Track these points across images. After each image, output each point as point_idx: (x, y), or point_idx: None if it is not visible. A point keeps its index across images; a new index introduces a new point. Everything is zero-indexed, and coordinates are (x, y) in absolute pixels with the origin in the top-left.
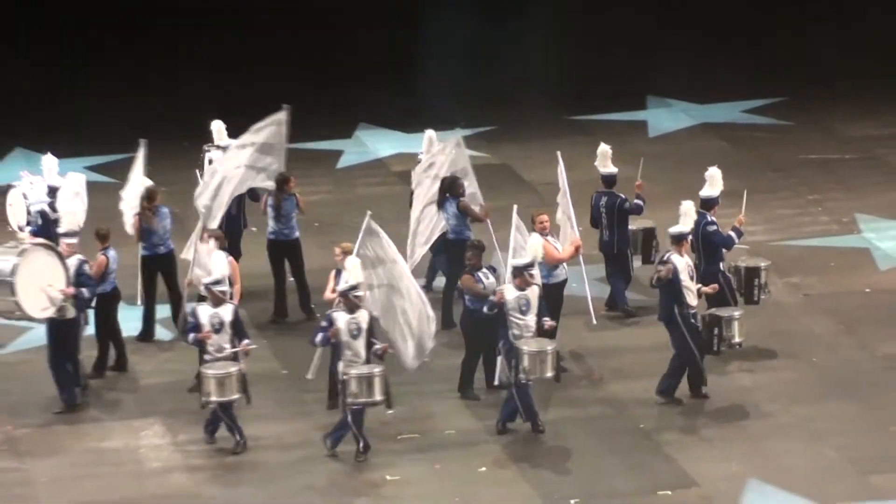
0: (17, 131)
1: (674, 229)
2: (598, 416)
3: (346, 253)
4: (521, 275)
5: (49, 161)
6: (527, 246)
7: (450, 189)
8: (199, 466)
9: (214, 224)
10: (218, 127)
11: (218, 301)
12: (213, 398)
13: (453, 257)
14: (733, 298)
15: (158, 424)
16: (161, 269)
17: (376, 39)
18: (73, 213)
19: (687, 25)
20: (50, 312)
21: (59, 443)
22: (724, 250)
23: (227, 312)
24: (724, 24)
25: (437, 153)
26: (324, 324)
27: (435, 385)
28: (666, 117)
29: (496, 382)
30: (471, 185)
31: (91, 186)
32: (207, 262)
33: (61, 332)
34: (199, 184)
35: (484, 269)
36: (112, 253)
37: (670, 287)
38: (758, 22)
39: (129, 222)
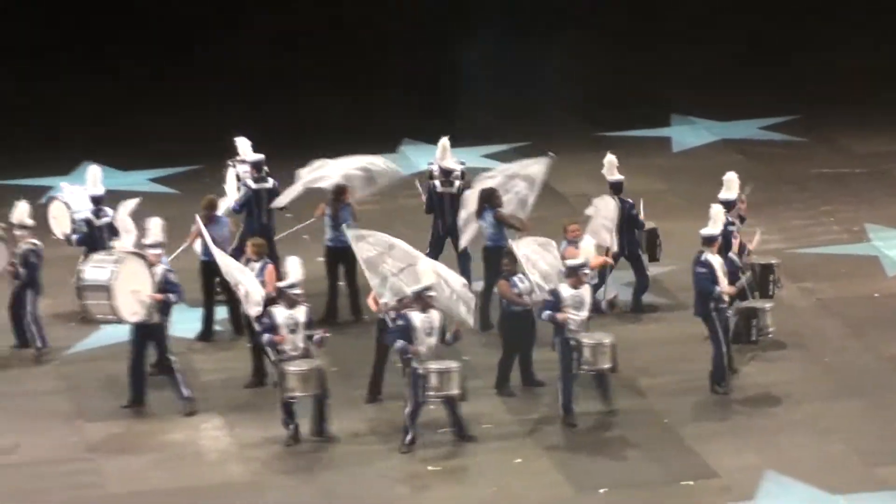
0: (86, 145)
1: (705, 231)
2: (624, 410)
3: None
4: (575, 274)
5: (93, 171)
6: (581, 249)
7: (488, 200)
8: (254, 457)
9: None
10: (242, 143)
11: (293, 303)
12: (297, 393)
13: (491, 264)
14: (751, 293)
15: (217, 418)
16: (219, 273)
17: (417, 60)
18: (157, 224)
19: (708, 48)
20: (140, 316)
21: (124, 435)
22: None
23: (301, 314)
24: (744, 47)
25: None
26: (401, 323)
27: (473, 383)
28: (689, 134)
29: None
30: (529, 196)
31: (154, 197)
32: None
33: (146, 334)
34: (225, 198)
35: (519, 275)
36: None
37: (708, 283)
38: (775, 45)
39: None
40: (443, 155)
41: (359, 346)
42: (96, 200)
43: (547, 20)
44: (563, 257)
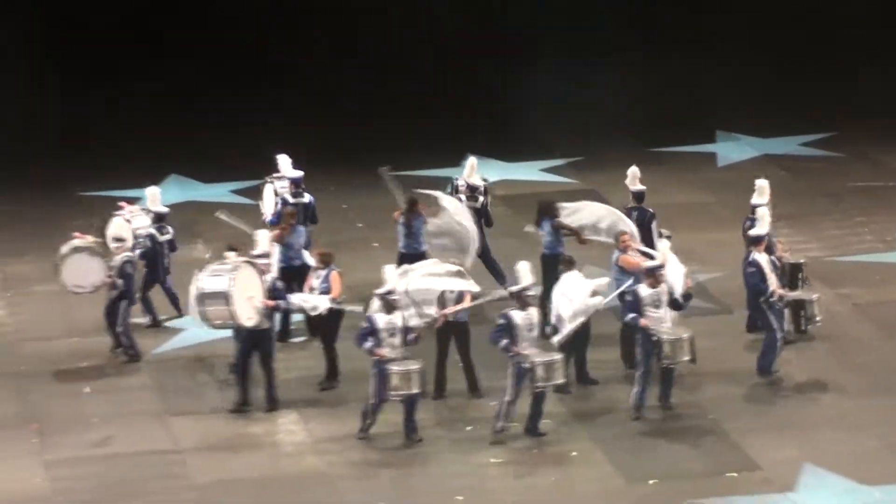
0: (172, 159)
1: (752, 232)
2: (671, 406)
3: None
4: (653, 275)
5: (151, 191)
6: (657, 251)
7: (546, 211)
8: (327, 450)
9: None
10: (283, 160)
11: (391, 308)
12: (401, 392)
13: (549, 270)
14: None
15: (293, 413)
16: (295, 278)
17: (482, 80)
18: (265, 235)
19: (749, 67)
20: (254, 321)
21: (208, 429)
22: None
23: (398, 318)
24: (783, 65)
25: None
26: (503, 321)
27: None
28: (733, 149)
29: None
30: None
31: (233, 207)
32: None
33: (255, 339)
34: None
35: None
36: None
37: (757, 279)
38: (812, 63)
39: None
40: (469, 172)
41: (423, 345)
42: (159, 217)
43: (599, 46)
44: (617, 264)
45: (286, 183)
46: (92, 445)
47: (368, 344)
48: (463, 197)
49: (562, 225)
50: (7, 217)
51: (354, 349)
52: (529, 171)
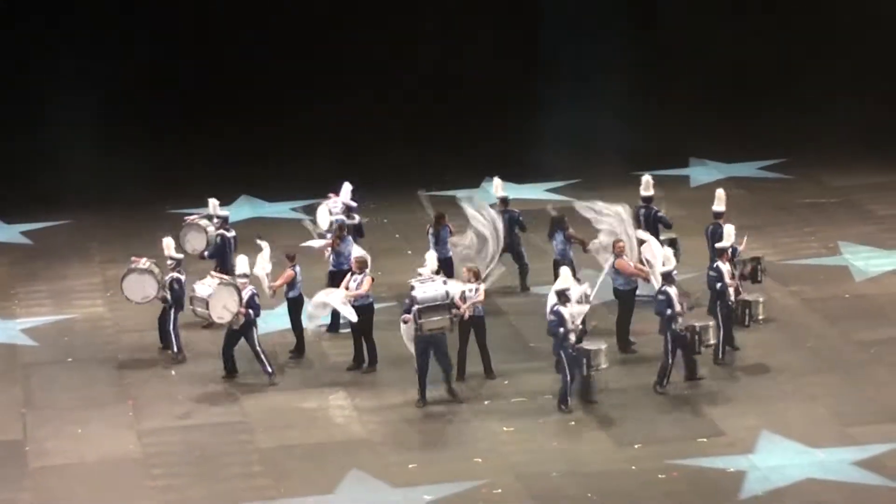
0: (242, 181)
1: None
2: (651, 384)
3: (472, 272)
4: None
5: (213, 202)
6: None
7: (559, 224)
8: (370, 421)
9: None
10: (346, 187)
11: (567, 301)
12: (603, 366)
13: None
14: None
15: (341, 390)
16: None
17: (496, 117)
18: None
19: (718, 105)
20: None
21: (271, 404)
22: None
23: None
24: (745, 104)
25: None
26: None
27: (535, 363)
28: (703, 172)
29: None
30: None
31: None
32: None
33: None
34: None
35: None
36: (297, 268)
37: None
38: (769, 102)
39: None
40: (497, 189)
41: (452, 335)
42: (224, 220)
43: (591, 87)
44: (613, 267)
45: (341, 205)
46: (177, 418)
47: (562, 330)
48: (495, 210)
49: (572, 236)
50: (106, 230)
51: (390, 339)
52: (535, 191)
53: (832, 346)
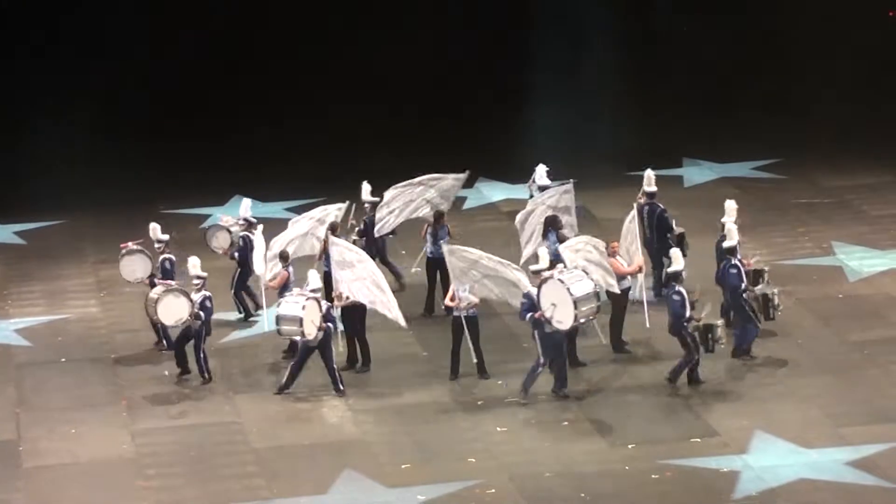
0: (236, 181)
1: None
2: (647, 384)
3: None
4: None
5: (245, 202)
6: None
7: (552, 224)
8: (363, 421)
9: (384, 231)
10: (365, 186)
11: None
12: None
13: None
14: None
15: (335, 391)
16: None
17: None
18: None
19: (711, 106)
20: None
21: (264, 404)
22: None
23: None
24: (739, 105)
25: (547, 196)
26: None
27: (529, 363)
28: (696, 173)
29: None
30: (570, 219)
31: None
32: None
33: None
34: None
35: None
36: (291, 269)
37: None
38: (762, 103)
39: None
40: (540, 176)
41: (446, 335)
42: (250, 224)
43: (586, 88)
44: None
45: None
46: (170, 418)
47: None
48: (535, 194)
49: (564, 237)
50: (100, 230)
51: (384, 339)
52: (524, 192)
53: (826, 347)
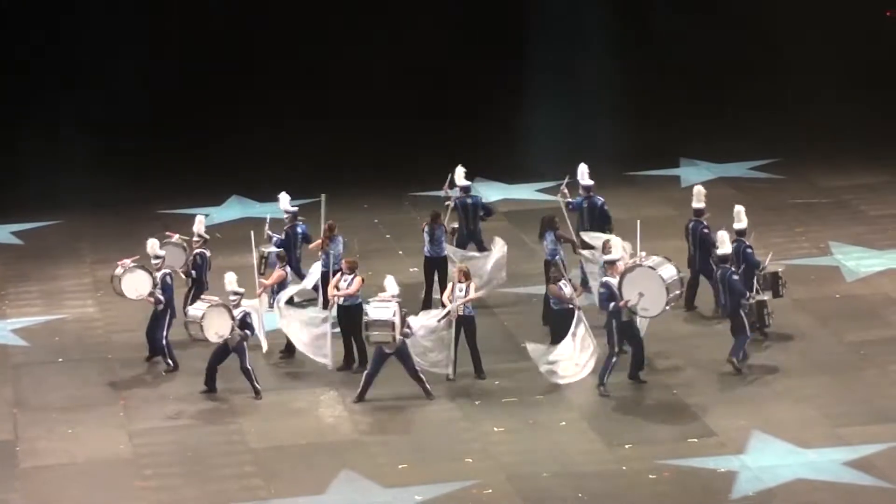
0: (233, 181)
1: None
2: (643, 385)
3: (462, 272)
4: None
5: (284, 196)
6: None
7: (548, 225)
8: (360, 420)
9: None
10: (459, 170)
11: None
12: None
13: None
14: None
15: (332, 391)
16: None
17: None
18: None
19: (709, 106)
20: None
21: (261, 404)
22: None
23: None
24: (736, 105)
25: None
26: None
27: (526, 363)
28: (693, 173)
29: None
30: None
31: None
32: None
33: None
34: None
35: (564, 280)
36: (288, 269)
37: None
38: (760, 103)
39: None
40: (582, 175)
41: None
42: (294, 217)
43: (582, 88)
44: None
45: (458, 190)
46: (168, 418)
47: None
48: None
49: (562, 236)
50: (97, 230)
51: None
52: (526, 192)
53: (823, 347)
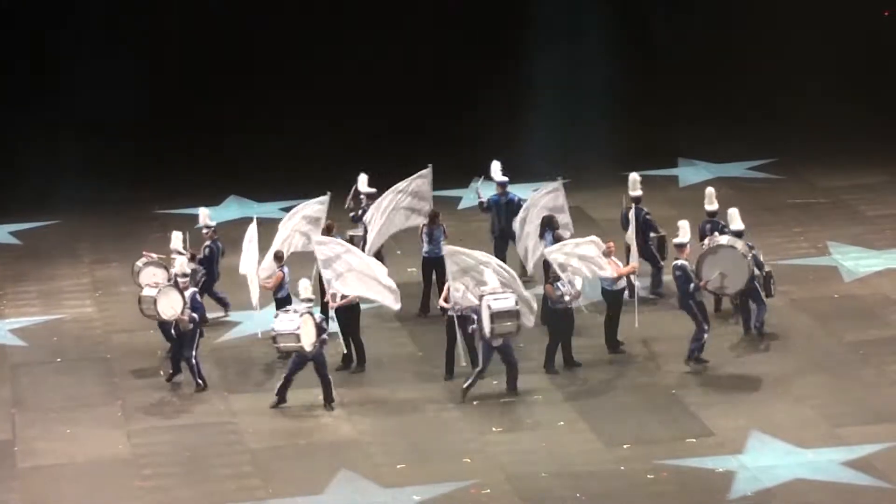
0: (231, 181)
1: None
2: (641, 385)
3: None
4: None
5: (362, 175)
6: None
7: (548, 224)
8: (359, 421)
9: (372, 252)
10: (495, 165)
11: None
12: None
13: (548, 270)
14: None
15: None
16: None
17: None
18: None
19: (707, 106)
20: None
21: (259, 403)
22: None
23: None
24: (734, 106)
25: (539, 196)
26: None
27: (525, 364)
28: (691, 173)
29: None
30: (564, 218)
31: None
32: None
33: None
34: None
35: (561, 280)
36: (286, 269)
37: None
38: (758, 104)
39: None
40: (633, 186)
41: (440, 335)
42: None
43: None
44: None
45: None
46: (166, 418)
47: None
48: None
49: (561, 237)
50: (95, 230)
51: (378, 339)
52: (523, 192)
53: (821, 347)
